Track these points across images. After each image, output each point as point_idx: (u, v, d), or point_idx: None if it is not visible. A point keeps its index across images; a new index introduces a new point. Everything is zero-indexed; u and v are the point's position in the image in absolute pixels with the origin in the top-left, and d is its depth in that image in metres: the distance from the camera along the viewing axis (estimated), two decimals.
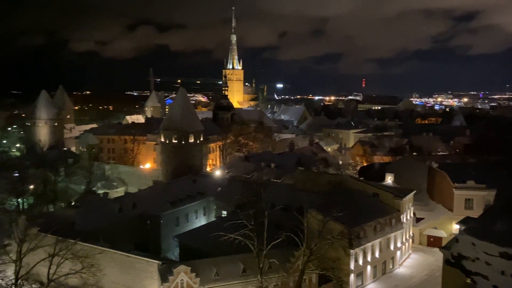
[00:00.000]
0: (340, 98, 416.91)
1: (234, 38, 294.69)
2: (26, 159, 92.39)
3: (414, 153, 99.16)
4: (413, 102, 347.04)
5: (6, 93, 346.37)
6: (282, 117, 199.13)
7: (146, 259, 46.90)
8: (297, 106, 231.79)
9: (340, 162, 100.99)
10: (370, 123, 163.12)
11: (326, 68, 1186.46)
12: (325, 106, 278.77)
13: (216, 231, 46.21)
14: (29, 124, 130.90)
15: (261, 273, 44.17)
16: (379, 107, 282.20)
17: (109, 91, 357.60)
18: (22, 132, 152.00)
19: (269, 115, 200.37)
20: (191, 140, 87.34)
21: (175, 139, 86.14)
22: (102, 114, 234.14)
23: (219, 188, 70.48)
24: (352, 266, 49.75)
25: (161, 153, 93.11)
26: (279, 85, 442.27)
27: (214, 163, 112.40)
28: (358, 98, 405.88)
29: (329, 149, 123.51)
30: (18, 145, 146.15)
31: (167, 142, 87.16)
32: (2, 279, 42.22)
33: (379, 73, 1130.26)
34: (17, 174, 76.66)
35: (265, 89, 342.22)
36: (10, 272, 43.93)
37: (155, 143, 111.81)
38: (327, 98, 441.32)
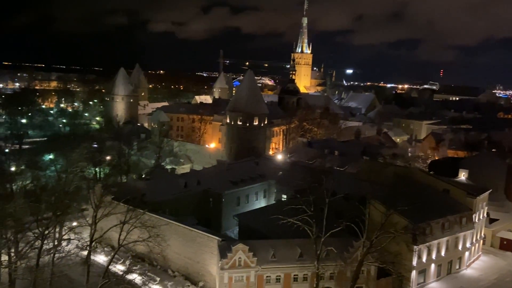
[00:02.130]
0: (414, 86, 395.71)
1: (305, 21, 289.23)
2: (104, 132, 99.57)
3: (493, 150, 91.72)
4: (496, 94, 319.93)
5: (89, 70, 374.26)
6: (350, 104, 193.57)
7: (207, 234, 48.82)
8: (366, 93, 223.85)
9: (409, 154, 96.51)
10: (445, 114, 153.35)
11: (401, 55, 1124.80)
12: (397, 95, 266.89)
13: (275, 214, 46.65)
14: (107, 99, 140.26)
15: (318, 260, 44.02)
16: (457, 98, 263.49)
17: (181, 71, 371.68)
18: (101, 106, 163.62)
19: (336, 101, 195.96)
20: (256, 122, 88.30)
21: (240, 121, 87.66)
22: (173, 93, 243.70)
23: (281, 172, 70.80)
24: (414, 262, 47.88)
25: (226, 134, 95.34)
26: (349, 71, 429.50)
27: (277, 146, 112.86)
28: (434, 87, 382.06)
29: (398, 139, 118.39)
30: (97, 118, 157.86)
31: (233, 123, 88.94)
32: (79, 240, 46.09)
33: (460, 61, 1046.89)
34: (96, 145, 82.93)
35: (333, 74, 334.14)
36: (86, 234, 47.89)
37: (221, 123, 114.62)
38: (400, 86, 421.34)
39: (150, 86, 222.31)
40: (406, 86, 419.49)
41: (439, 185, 56.51)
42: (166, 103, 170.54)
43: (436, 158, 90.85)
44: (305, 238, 44.98)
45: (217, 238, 47.80)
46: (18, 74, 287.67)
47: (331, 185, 46.87)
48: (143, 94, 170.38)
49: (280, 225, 45.12)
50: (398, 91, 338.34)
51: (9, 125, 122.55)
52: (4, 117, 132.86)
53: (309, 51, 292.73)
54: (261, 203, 69.24)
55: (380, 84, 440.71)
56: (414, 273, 48.33)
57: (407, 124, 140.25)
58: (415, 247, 46.87)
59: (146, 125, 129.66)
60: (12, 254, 44.63)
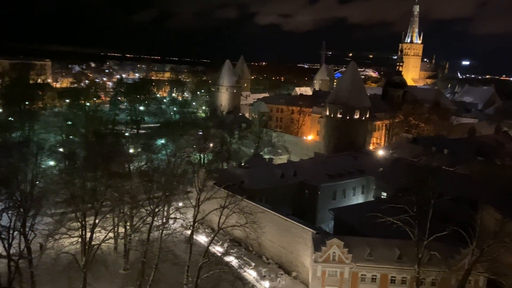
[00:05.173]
0: None
1: (416, 9, 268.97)
2: (209, 120, 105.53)
3: None
4: None
5: (198, 62, 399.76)
6: (464, 98, 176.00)
7: (302, 225, 49.07)
8: (484, 87, 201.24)
9: None
10: None
11: None
12: None
13: (373, 211, 44.80)
14: (213, 89, 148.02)
15: (419, 264, 41.41)
16: None
17: (282, 63, 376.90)
18: (207, 96, 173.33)
19: (448, 95, 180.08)
20: (357, 116, 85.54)
21: (340, 114, 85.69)
22: (274, 84, 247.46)
23: (381, 168, 67.80)
24: None
25: (324, 126, 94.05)
26: (465, 62, 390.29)
27: (378, 141, 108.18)
28: None
29: None
30: (204, 107, 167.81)
31: (332, 116, 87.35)
32: (183, 220, 49.81)
33: None
34: (201, 133, 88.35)
35: (446, 66, 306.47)
36: (189, 215, 51.46)
37: (320, 116, 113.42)
38: None
39: (252, 77, 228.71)
40: None
41: None
42: (266, 94, 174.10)
43: None
44: (404, 239, 42.61)
45: (311, 230, 47.79)
46: (138, 65, 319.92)
47: (438, 185, 43.42)
48: (245, 85, 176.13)
49: (378, 223, 43.27)
50: None
51: (129, 112, 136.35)
52: (125, 104, 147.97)
53: (419, 41, 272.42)
54: (358, 199, 67.31)
55: (502, 78, 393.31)
56: None
57: None
58: None
59: (247, 115, 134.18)
60: (128, 227, 50.30)
